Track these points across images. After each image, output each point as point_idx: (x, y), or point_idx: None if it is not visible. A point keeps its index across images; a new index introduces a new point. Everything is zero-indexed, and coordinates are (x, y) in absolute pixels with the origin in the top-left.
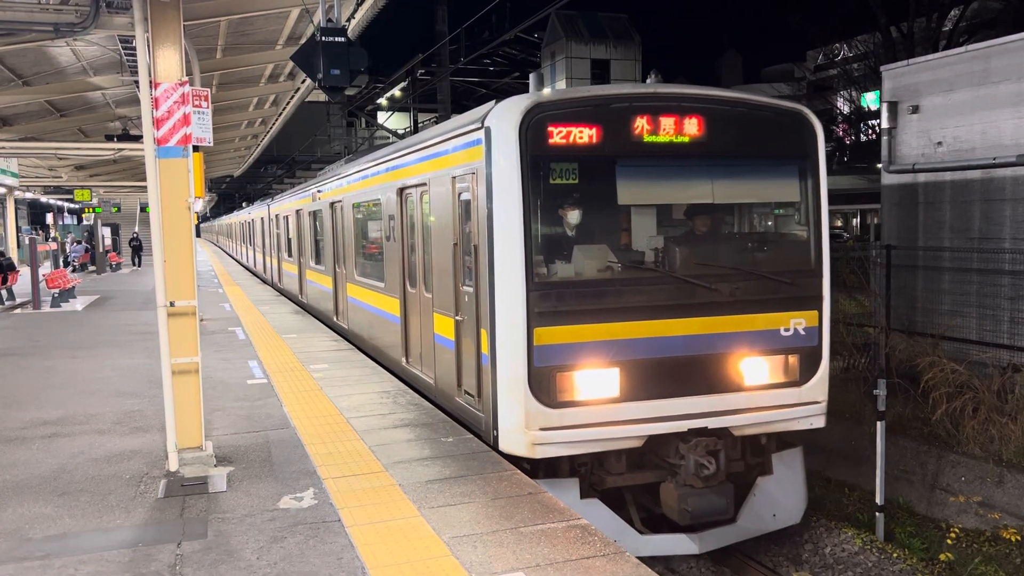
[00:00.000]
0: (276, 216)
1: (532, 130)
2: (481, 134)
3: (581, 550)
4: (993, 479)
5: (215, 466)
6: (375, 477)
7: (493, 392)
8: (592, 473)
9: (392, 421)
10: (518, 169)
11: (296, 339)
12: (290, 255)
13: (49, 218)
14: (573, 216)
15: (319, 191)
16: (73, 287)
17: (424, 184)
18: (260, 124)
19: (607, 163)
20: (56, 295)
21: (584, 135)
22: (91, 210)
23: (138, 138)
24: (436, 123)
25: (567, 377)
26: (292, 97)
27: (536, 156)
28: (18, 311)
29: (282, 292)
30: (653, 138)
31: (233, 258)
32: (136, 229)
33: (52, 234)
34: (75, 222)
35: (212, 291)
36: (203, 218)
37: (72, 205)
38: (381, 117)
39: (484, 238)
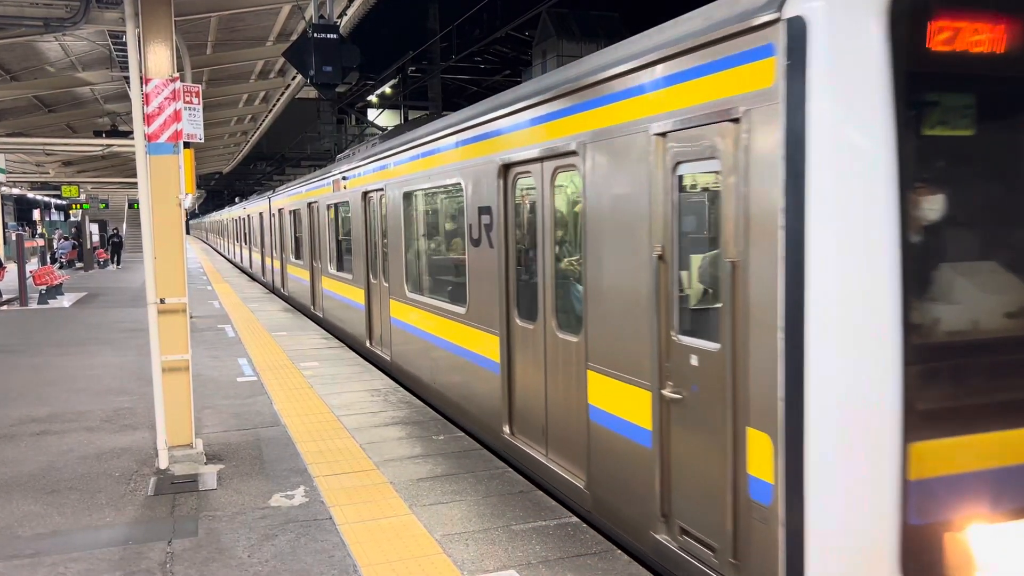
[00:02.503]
0: (279, 211)
1: (908, 21)
2: (775, 34)
3: (573, 548)
4: None
5: (205, 464)
6: (366, 475)
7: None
8: None
9: (383, 419)
10: (885, 100)
11: (286, 337)
12: (298, 257)
13: (36, 214)
14: (970, 204)
15: (344, 177)
16: (60, 284)
17: (570, 152)
18: (250, 120)
19: None
20: (43, 292)
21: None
22: (79, 206)
23: (127, 134)
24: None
25: (973, 542)
26: (282, 94)
27: (918, 76)
28: (5, 308)
29: (287, 300)
30: None
31: (227, 258)
32: (115, 226)
33: (39, 230)
34: (62, 218)
35: (201, 288)
36: (192, 215)
37: (59, 201)
38: (371, 114)
39: (767, 244)
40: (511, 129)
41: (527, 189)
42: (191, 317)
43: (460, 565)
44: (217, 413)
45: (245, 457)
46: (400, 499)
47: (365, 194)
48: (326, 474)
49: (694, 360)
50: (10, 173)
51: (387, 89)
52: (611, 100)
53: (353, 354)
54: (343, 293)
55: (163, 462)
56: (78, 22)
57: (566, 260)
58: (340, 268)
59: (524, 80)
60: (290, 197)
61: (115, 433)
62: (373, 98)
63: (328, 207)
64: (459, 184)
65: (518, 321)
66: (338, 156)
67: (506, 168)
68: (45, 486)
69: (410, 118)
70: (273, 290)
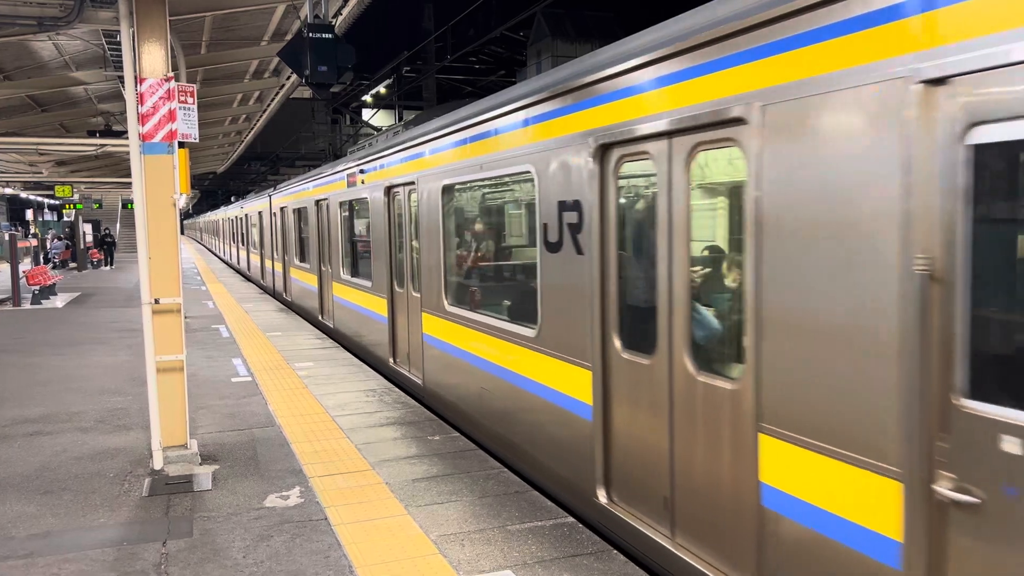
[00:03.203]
0: (282, 209)
1: None
2: None
3: (569, 548)
4: None
5: (200, 464)
6: (361, 475)
7: None
8: None
9: (378, 419)
10: None
11: (280, 337)
12: (303, 260)
13: (29, 214)
14: None
15: (361, 171)
16: (54, 284)
17: (726, 122)
18: (244, 120)
19: None
20: (37, 292)
21: None
22: (72, 206)
23: (121, 134)
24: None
25: None
26: (277, 93)
27: None
28: None
29: (292, 307)
30: None
31: (224, 260)
32: (107, 227)
33: (32, 230)
34: (55, 218)
35: (195, 288)
36: (186, 215)
37: (53, 201)
38: (366, 114)
39: None
40: (611, 98)
41: (642, 177)
42: (185, 318)
43: (456, 566)
44: (212, 413)
45: (240, 458)
46: (396, 499)
47: (389, 189)
48: (321, 474)
49: (1009, 444)
50: (3, 173)
51: (382, 89)
52: (831, 34)
53: (347, 354)
54: (360, 302)
55: (157, 463)
56: (72, 21)
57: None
58: (355, 274)
59: (519, 81)
60: (295, 194)
61: (109, 434)
62: (368, 98)
63: (341, 204)
64: (528, 172)
65: (669, 351)
66: (350, 150)
67: (605, 149)
68: (39, 487)
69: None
70: (275, 295)
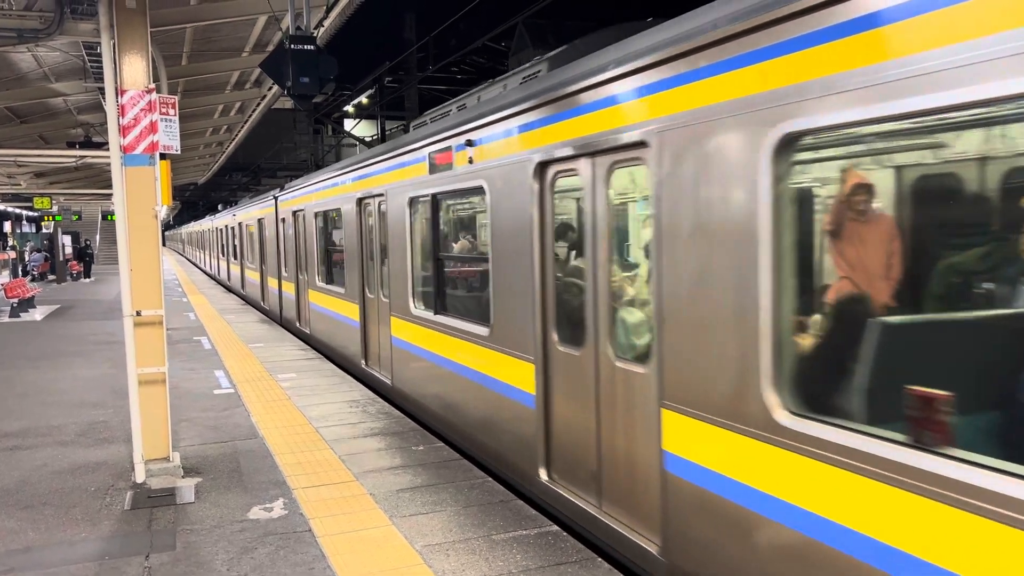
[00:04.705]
0: (294, 214)
1: None
2: None
3: (553, 556)
4: None
5: (183, 477)
6: (346, 487)
7: None
8: None
9: (362, 430)
10: None
11: (263, 348)
12: (329, 280)
13: (7, 226)
14: None
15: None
16: (33, 297)
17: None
18: (225, 131)
19: None
20: (15, 305)
21: None
22: (51, 218)
23: (101, 145)
24: (404, 131)
25: None
26: (258, 104)
27: None
28: None
29: (312, 342)
30: None
31: (209, 274)
32: (86, 238)
33: (10, 243)
34: (34, 230)
35: (176, 300)
36: (167, 226)
37: (31, 213)
38: (348, 124)
39: None
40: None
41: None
42: (167, 329)
43: None
44: (194, 426)
45: (223, 470)
46: (380, 510)
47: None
48: (305, 486)
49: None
50: None
51: (364, 99)
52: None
53: (331, 365)
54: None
55: (139, 476)
56: (52, 33)
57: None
58: (446, 310)
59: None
60: (319, 192)
61: (90, 447)
62: (350, 108)
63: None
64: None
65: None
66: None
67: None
68: (19, 501)
69: (387, 128)
70: (283, 323)
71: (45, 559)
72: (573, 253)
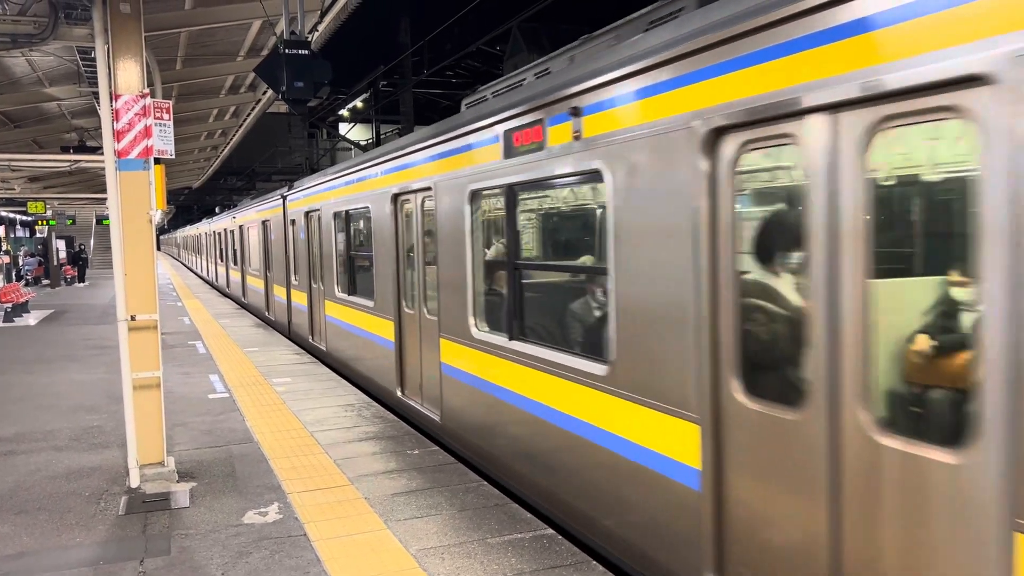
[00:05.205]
0: (306, 215)
1: None
2: None
3: (548, 559)
4: None
5: (177, 482)
6: (341, 491)
7: None
8: None
9: (357, 434)
10: None
11: (258, 352)
12: (352, 290)
13: (1, 231)
14: None
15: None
16: (27, 301)
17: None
18: (220, 136)
19: None
20: (9, 309)
21: None
22: (45, 222)
23: (95, 150)
24: (400, 135)
25: None
26: (253, 108)
27: None
28: None
29: (332, 362)
30: None
31: (208, 280)
32: (81, 243)
33: (4, 247)
34: (28, 235)
35: (171, 304)
36: (161, 230)
37: (25, 217)
38: (343, 128)
39: None
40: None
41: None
42: (161, 334)
43: None
44: (189, 430)
45: (218, 474)
46: (375, 514)
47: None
48: (300, 490)
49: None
50: None
51: (359, 103)
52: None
53: (325, 369)
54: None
55: (134, 481)
56: (46, 38)
57: None
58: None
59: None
60: (339, 189)
61: (84, 452)
62: (345, 112)
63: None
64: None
65: None
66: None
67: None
68: (13, 506)
69: (382, 132)
70: (291, 336)
71: (39, 564)
72: (778, 265)
